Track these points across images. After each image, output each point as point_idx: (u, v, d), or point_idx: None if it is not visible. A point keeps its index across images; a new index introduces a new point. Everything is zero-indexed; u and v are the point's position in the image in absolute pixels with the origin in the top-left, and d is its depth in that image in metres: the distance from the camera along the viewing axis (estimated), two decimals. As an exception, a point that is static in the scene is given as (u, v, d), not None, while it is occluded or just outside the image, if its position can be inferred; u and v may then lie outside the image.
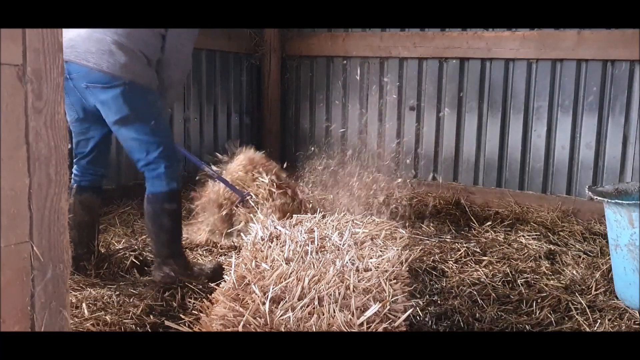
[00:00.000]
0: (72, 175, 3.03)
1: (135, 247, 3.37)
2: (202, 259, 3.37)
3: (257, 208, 3.55)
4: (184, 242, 3.23)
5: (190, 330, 1.84)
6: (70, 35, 2.74)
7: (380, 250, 2.38)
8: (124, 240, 3.52)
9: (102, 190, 3.17)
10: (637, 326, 2.64)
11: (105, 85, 2.72)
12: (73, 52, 2.71)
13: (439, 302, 2.84)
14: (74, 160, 3.03)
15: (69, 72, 2.74)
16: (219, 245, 3.57)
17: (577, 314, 2.72)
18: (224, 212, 3.68)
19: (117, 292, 2.77)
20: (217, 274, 2.96)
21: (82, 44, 2.71)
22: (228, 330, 1.65)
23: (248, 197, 3.65)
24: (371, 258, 2.26)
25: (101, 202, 3.24)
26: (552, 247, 3.62)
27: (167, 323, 2.12)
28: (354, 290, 1.90)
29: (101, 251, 3.15)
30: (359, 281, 1.99)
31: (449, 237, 3.84)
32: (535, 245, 3.63)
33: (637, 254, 2.72)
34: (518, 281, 3.08)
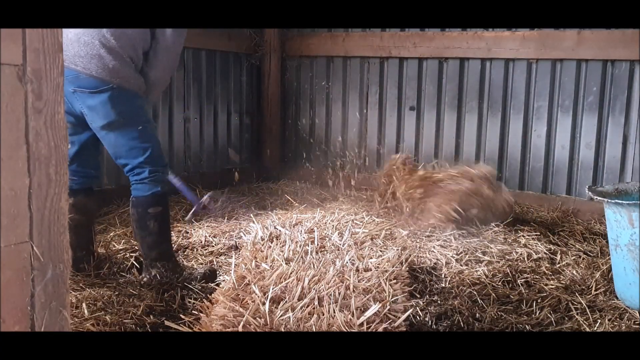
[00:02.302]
0: None
1: (136, 247, 3.37)
2: (202, 259, 3.37)
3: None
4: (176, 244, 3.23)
5: (190, 330, 1.84)
6: None
7: (380, 250, 2.38)
8: (123, 241, 3.52)
9: (94, 192, 3.13)
10: (637, 326, 2.64)
11: (93, 90, 2.70)
12: None
13: (439, 302, 2.84)
14: None
15: None
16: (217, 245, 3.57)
17: (577, 314, 2.72)
18: None
19: (117, 292, 2.77)
20: (209, 277, 2.95)
21: (71, 48, 2.68)
22: (228, 330, 1.65)
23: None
24: (371, 258, 2.26)
25: (95, 203, 3.21)
26: (552, 247, 3.62)
27: (167, 323, 2.12)
28: (354, 290, 1.90)
29: (100, 252, 3.15)
30: (359, 281, 1.99)
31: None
32: (535, 245, 3.63)
33: (637, 254, 2.72)
34: (518, 281, 3.08)
